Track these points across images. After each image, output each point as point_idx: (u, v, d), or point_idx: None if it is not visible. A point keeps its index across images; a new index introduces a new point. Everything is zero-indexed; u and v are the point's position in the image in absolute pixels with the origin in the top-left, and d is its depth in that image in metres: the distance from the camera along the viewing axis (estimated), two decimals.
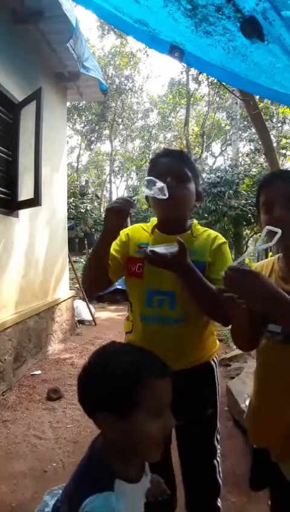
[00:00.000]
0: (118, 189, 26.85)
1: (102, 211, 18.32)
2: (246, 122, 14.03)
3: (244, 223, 9.24)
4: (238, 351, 3.68)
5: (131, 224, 1.39)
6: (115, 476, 0.72)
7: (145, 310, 1.27)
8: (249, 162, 12.57)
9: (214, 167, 14.68)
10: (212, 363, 1.35)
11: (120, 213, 1.14)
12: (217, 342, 1.41)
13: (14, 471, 2.08)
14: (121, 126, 22.13)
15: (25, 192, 3.40)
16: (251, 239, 10.91)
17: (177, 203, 1.21)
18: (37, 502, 1.41)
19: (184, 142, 17.65)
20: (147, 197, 1.29)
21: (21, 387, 3.22)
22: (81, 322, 5.82)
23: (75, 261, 8.60)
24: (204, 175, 10.13)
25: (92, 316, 5.98)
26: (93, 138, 21.80)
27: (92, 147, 22.79)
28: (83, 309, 5.96)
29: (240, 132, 14.85)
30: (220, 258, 1.25)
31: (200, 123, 18.45)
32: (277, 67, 1.12)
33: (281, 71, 1.14)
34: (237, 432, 2.46)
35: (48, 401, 2.97)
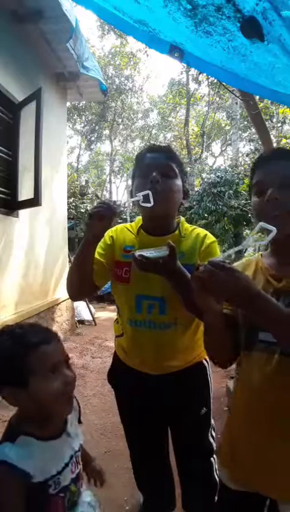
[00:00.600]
0: (118, 189, 26.87)
1: None
2: (246, 122, 14.03)
3: (245, 223, 9.24)
4: None
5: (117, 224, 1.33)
6: (20, 434, 0.80)
7: (135, 315, 1.24)
8: (249, 162, 12.54)
9: (214, 167, 14.68)
10: (205, 362, 1.35)
11: (103, 218, 1.08)
12: None
13: None
14: (121, 126, 22.10)
15: (25, 192, 3.41)
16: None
17: (164, 198, 1.15)
18: None
19: (184, 142, 17.64)
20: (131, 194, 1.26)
21: None
22: (81, 322, 5.83)
23: None
24: (204, 175, 10.15)
25: (92, 316, 5.98)
26: (93, 138, 21.77)
27: (92, 147, 22.75)
28: (83, 309, 5.96)
29: (240, 132, 14.86)
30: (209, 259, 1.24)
31: (200, 123, 18.42)
32: (277, 68, 1.12)
33: (281, 71, 1.14)
34: None
35: None
